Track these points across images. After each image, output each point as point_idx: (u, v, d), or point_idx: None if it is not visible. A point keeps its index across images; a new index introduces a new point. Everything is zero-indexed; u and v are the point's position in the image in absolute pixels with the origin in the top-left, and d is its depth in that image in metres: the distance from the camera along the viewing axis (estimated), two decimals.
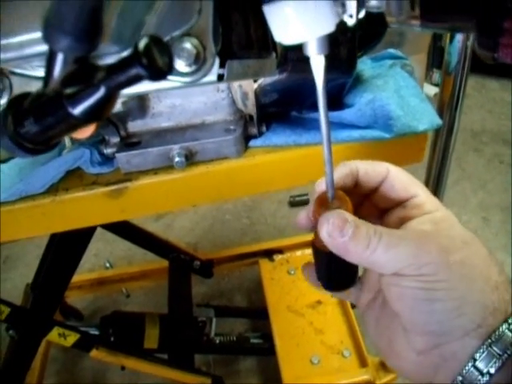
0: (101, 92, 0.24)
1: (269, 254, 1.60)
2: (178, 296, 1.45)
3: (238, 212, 2.15)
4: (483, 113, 2.64)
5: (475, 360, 0.35)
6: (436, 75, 2.70)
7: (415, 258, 0.36)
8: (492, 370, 0.35)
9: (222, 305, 1.74)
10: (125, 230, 1.44)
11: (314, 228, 0.43)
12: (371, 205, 0.44)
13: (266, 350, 1.45)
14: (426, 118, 0.69)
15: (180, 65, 0.34)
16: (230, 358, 1.58)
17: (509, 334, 0.35)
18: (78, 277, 1.57)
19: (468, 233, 0.39)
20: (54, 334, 1.10)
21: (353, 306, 1.42)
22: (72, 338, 1.13)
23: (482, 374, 0.35)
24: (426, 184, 1.08)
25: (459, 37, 0.92)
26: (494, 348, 0.35)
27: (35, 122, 0.28)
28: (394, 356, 0.42)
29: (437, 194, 1.10)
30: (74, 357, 1.65)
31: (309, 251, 1.57)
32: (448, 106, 1.03)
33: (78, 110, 0.25)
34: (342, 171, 0.42)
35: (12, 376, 1.14)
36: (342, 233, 0.37)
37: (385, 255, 0.37)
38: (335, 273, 0.44)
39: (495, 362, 0.35)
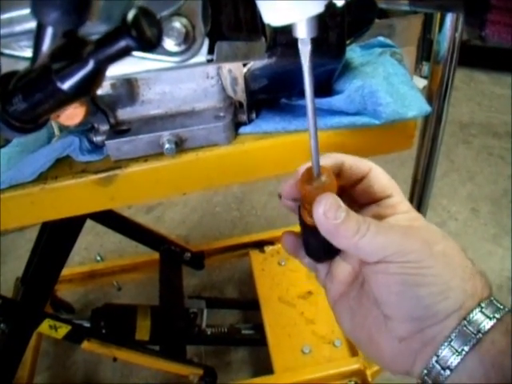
0: (90, 66, 0.24)
1: (259, 245, 1.60)
2: (169, 288, 1.45)
3: (228, 204, 2.15)
4: (472, 105, 2.66)
5: (451, 340, 0.37)
6: (425, 68, 2.71)
7: (401, 246, 0.38)
8: (466, 348, 0.37)
9: (213, 296, 1.74)
10: (115, 222, 1.44)
11: (297, 200, 0.45)
12: (349, 198, 0.45)
13: (258, 341, 1.45)
14: (416, 105, 0.69)
15: (169, 44, 0.34)
16: (222, 348, 1.59)
17: (480, 315, 0.37)
18: (68, 270, 1.57)
19: (441, 230, 0.42)
20: (45, 326, 1.10)
21: None
22: (63, 330, 1.13)
23: (456, 352, 0.37)
24: (415, 175, 1.08)
25: (448, 25, 0.92)
26: (469, 327, 0.37)
27: (24, 99, 0.28)
28: (373, 347, 0.43)
29: (426, 185, 1.11)
30: (65, 350, 1.64)
31: None
32: (436, 95, 1.03)
33: (66, 85, 0.25)
34: (327, 162, 0.44)
35: (3, 369, 1.14)
36: (336, 215, 0.39)
37: (372, 242, 0.39)
38: (321, 245, 0.45)
39: (470, 340, 0.37)
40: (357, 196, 0.46)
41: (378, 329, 0.42)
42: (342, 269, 0.45)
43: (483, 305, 0.38)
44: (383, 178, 0.45)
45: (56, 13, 0.24)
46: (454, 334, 0.37)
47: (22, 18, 0.30)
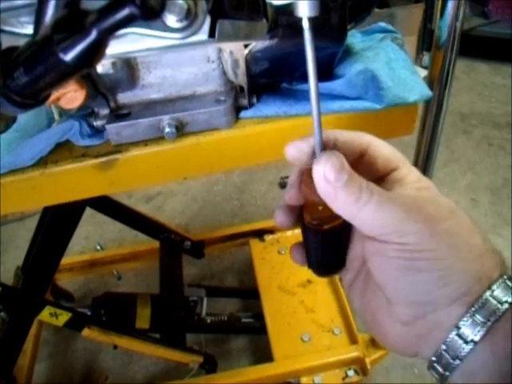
0: (92, 36, 0.24)
1: (259, 234, 1.60)
2: (169, 276, 1.46)
3: (229, 193, 2.15)
4: (472, 96, 2.65)
5: (459, 328, 0.35)
6: (426, 58, 2.70)
7: (401, 225, 0.35)
8: (476, 338, 0.34)
9: (213, 285, 1.75)
10: (115, 211, 1.44)
11: (301, 204, 0.42)
12: None
13: (258, 329, 1.46)
14: (417, 90, 0.69)
15: (171, 20, 0.34)
16: (222, 337, 1.59)
17: (492, 301, 0.35)
18: (68, 259, 1.57)
19: (451, 202, 0.39)
20: (46, 314, 1.10)
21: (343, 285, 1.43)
22: (64, 318, 1.13)
23: (465, 342, 0.35)
24: (415, 164, 1.08)
25: (449, 13, 0.92)
26: (478, 316, 0.34)
27: (25, 73, 0.28)
28: (378, 329, 0.41)
29: (426, 173, 1.11)
30: (65, 339, 1.65)
31: (299, 231, 1.58)
32: (437, 83, 1.03)
33: (69, 56, 0.25)
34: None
35: (4, 358, 1.14)
36: (337, 177, 0.36)
37: (372, 215, 0.36)
38: (325, 253, 0.43)
39: (479, 331, 0.34)
40: (360, 173, 0.40)
41: (382, 311, 0.40)
42: (353, 249, 0.43)
43: (494, 287, 0.35)
44: (385, 150, 0.41)
45: None
46: (462, 323, 0.35)
47: None
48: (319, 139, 0.38)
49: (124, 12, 0.22)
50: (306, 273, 1.49)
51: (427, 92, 0.69)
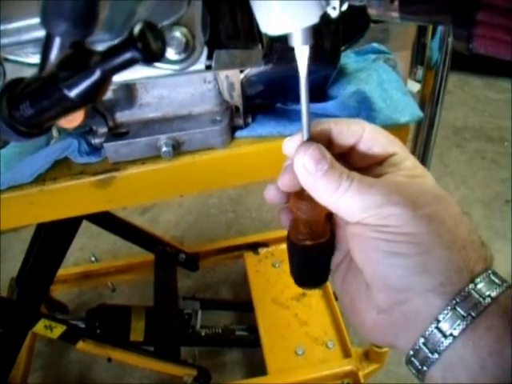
0: (96, 75, 0.25)
1: (254, 247, 1.62)
2: (164, 289, 1.46)
3: (223, 206, 2.16)
4: (466, 110, 2.68)
5: (438, 321, 0.34)
6: (420, 72, 2.72)
7: (381, 208, 0.35)
8: (455, 333, 0.33)
9: (208, 297, 1.75)
10: (111, 223, 1.44)
11: (289, 219, 0.43)
12: (346, 164, 0.40)
13: (252, 342, 1.46)
14: (408, 111, 0.70)
15: (170, 53, 0.35)
16: (216, 350, 1.60)
17: (474, 294, 0.33)
18: (63, 271, 1.57)
19: (442, 190, 0.38)
20: (41, 326, 1.10)
21: (336, 298, 1.44)
22: (58, 330, 1.13)
23: (444, 336, 0.33)
24: None
25: (441, 32, 0.94)
26: (459, 309, 0.33)
27: (31, 105, 0.29)
28: (356, 315, 0.41)
29: None
30: (59, 350, 1.65)
31: None
32: (429, 100, 1.05)
33: (73, 93, 0.26)
34: (315, 128, 0.40)
35: None
36: (317, 167, 0.36)
37: (351, 201, 0.36)
38: (308, 268, 0.44)
39: (459, 324, 0.33)
40: (356, 160, 0.41)
41: (361, 297, 0.40)
42: (341, 233, 0.43)
43: (478, 280, 0.34)
44: (381, 136, 0.40)
45: (65, 25, 0.25)
46: (441, 316, 0.34)
47: (30, 28, 0.31)
48: (307, 129, 0.38)
49: (126, 56, 0.24)
50: None
51: (418, 113, 0.71)
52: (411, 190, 0.36)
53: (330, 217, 0.43)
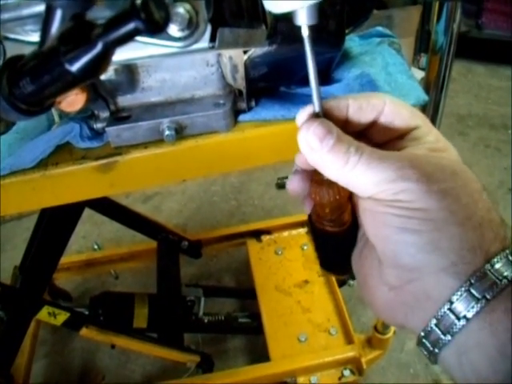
0: (98, 48, 0.25)
1: (256, 234, 1.61)
2: (167, 276, 1.46)
3: (226, 194, 2.15)
4: (469, 97, 2.67)
5: (452, 303, 0.32)
6: (423, 59, 2.70)
7: (392, 183, 0.33)
8: (469, 315, 0.32)
9: (211, 285, 1.75)
10: (113, 211, 1.44)
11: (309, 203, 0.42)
12: (365, 140, 0.38)
13: (254, 329, 1.47)
14: (413, 94, 0.70)
15: (173, 29, 0.35)
16: (219, 336, 1.60)
17: (490, 275, 0.32)
18: (66, 258, 1.57)
19: (462, 165, 0.36)
20: (44, 313, 1.11)
21: (339, 285, 1.45)
22: (62, 317, 1.14)
23: (458, 318, 0.32)
24: None
25: (446, 16, 0.92)
26: (473, 290, 0.32)
27: (31, 81, 0.29)
28: (367, 291, 0.40)
29: None
30: (63, 338, 1.66)
31: (296, 232, 1.59)
32: (434, 86, 1.04)
33: (75, 67, 0.26)
34: (332, 104, 0.38)
35: (2, 356, 1.15)
36: (322, 144, 0.35)
37: (362, 176, 0.34)
38: (331, 253, 0.43)
39: (473, 307, 0.31)
40: (376, 135, 0.40)
41: (374, 273, 0.38)
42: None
43: (495, 260, 0.32)
44: (403, 110, 0.39)
45: None
46: (455, 297, 0.32)
47: (30, 2, 0.30)
48: (318, 102, 0.37)
49: (129, 26, 0.23)
50: (303, 273, 1.51)
51: (423, 96, 0.70)
52: (428, 164, 0.34)
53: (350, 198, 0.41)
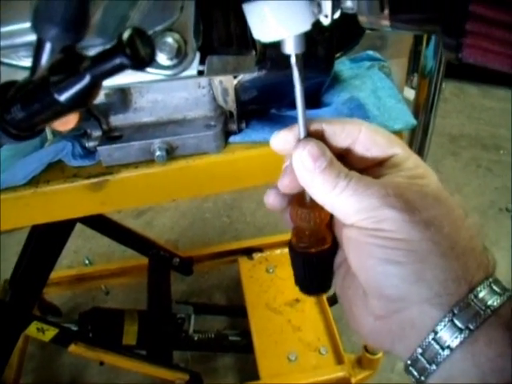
0: (86, 80, 0.26)
1: (248, 252, 1.61)
2: (157, 293, 1.46)
3: (218, 210, 2.16)
4: (462, 118, 2.69)
5: (436, 333, 0.32)
6: (415, 79, 2.74)
7: (376, 211, 0.33)
8: (453, 345, 0.32)
9: (201, 302, 1.75)
10: (105, 226, 1.44)
11: (291, 224, 0.42)
12: (344, 165, 0.38)
13: (244, 348, 1.46)
14: (402, 119, 0.71)
15: (162, 58, 0.36)
16: (209, 354, 1.59)
17: (474, 305, 0.32)
18: (56, 273, 1.56)
19: (444, 192, 0.36)
20: (33, 329, 1.10)
21: (330, 304, 1.45)
22: (51, 333, 1.13)
23: (442, 347, 0.32)
24: None
25: (435, 41, 0.94)
26: (456, 321, 0.32)
27: (22, 109, 0.29)
28: (353, 319, 0.40)
29: None
30: (51, 354, 1.64)
31: (287, 250, 1.59)
32: (423, 108, 1.06)
33: (63, 97, 0.27)
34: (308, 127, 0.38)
35: None
36: (315, 164, 0.35)
37: (347, 201, 0.34)
38: (310, 275, 0.44)
39: (456, 337, 0.32)
40: (355, 161, 0.39)
41: (358, 301, 0.39)
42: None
43: (478, 289, 0.32)
44: (379, 137, 0.38)
45: (55, 30, 0.25)
46: (439, 327, 0.32)
47: (23, 31, 0.31)
48: (303, 127, 0.38)
49: (115, 61, 0.24)
50: (294, 292, 1.50)
51: (412, 121, 0.71)
52: (410, 192, 0.34)
53: (331, 222, 0.42)
